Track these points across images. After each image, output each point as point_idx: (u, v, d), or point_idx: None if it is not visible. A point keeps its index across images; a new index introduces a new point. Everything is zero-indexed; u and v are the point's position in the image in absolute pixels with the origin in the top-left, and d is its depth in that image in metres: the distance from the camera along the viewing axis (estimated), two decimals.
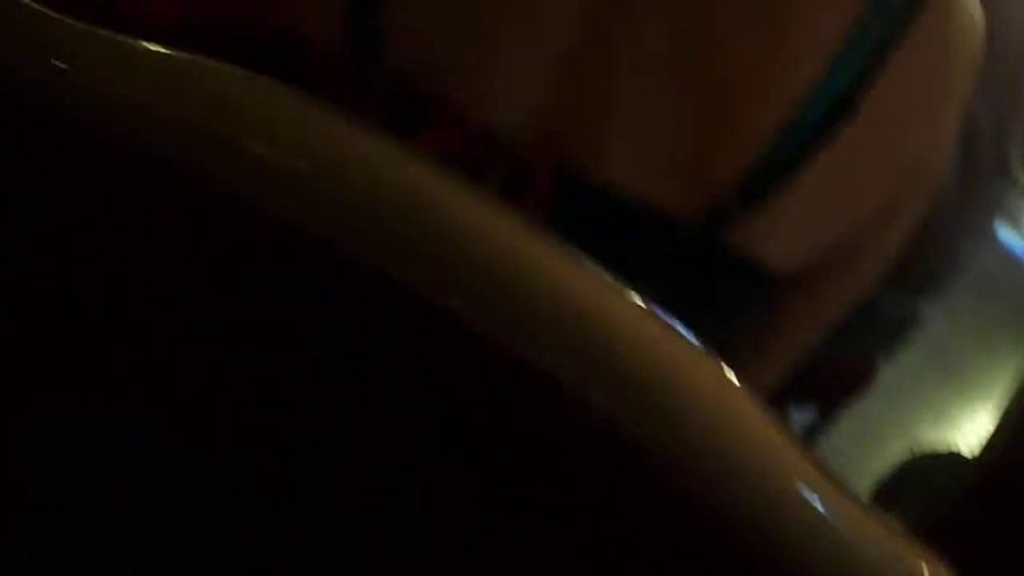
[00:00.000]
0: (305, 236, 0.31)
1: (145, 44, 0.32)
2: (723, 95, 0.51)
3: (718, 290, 0.57)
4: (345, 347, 0.34)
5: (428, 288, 0.30)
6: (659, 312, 0.31)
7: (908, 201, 0.59)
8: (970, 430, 2.22)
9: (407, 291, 0.30)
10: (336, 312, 0.33)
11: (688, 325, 0.55)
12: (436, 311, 0.30)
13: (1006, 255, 3.12)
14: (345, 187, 0.29)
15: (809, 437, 1.52)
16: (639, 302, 0.30)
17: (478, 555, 0.37)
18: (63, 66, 0.31)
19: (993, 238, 1.22)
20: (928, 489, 1.05)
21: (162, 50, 0.32)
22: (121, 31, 0.32)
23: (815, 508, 0.33)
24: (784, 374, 0.67)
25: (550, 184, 0.53)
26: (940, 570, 0.37)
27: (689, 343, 0.31)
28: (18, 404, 0.41)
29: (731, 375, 0.31)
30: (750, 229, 0.54)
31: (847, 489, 0.34)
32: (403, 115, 0.53)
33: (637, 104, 0.52)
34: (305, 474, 0.39)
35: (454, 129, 0.53)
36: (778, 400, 1.40)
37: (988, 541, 0.93)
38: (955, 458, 1.24)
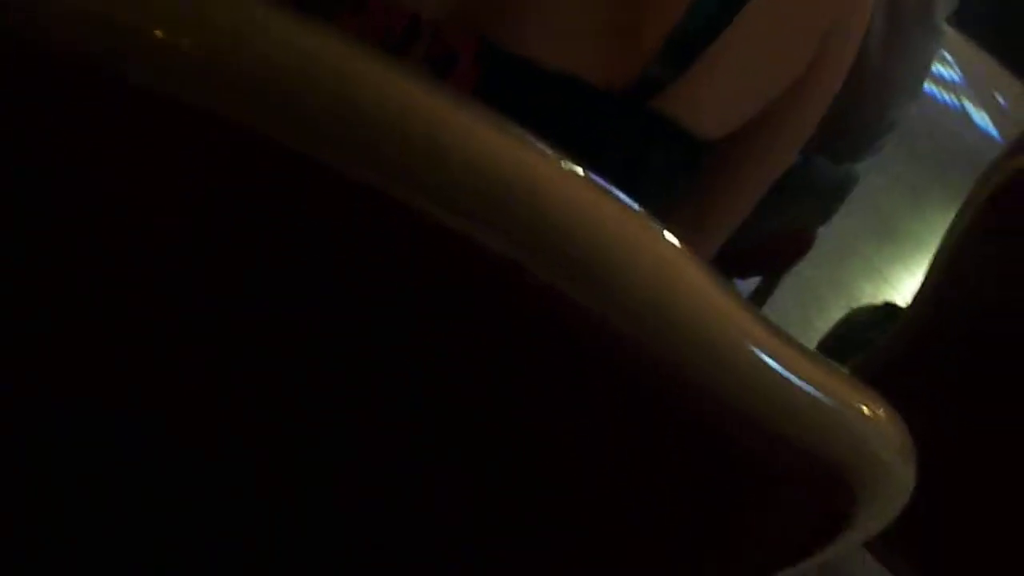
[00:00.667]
0: (231, 126, 0.30)
1: None
2: None
3: (651, 159, 0.57)
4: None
5: (350, 164, 0.29)
6: (595, 177, 0.31)
7: (831, 59, 0.59)
8: (905, 285, 2.30)
9: (331, 172, 0.29)
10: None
11: (628, 193, 0.55)
12: (360, 189, 0.29)
13: (934, 110, 3.17)
14: (256, 64, 0.28)
15: (755, 300, 1.56)
16: (575, 167, 0.30)
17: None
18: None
19: (921, 94, 1.23)
20: (866, 341, 1.09)
21: None
22: None
23: (768, 363, 0.34)
24: (725, 240, 0.68)
25: (474, 62, 0.52)
26: (883, 407, 0.38)
27: (629, 206, 0.31)
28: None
29: (673, 238, 0.31)
30: (678, 95, 0.53)
31: (794, 340, 0.35)
32: (312, 4, 0.51)
33: None
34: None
35: (374, 12, 0.51)
36: (721, 269, 1.43)
37: (921, 384, 0.98)
38: (890, 310, 1.29)
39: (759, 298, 1.59)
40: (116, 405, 0.39)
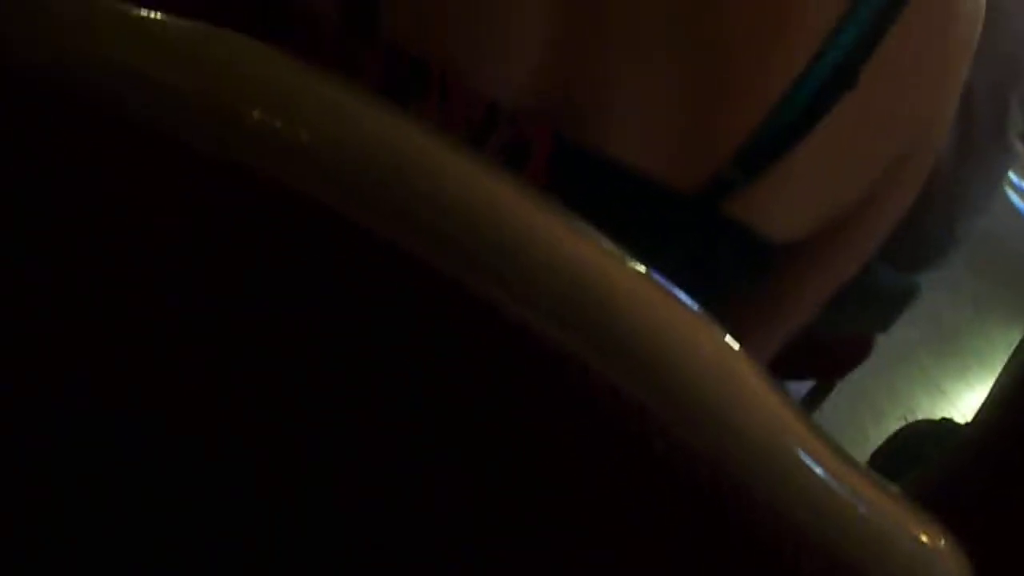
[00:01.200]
0: (307, 205, 0.31)
1: (147, 10, 0.31)
2: (722, 66, 0.51)
3: (718, 260, 0.57)
4: (349, 322, 0.34)
5: (431, 255, 0.30)
6: (658, 278, 0.31)
7: (908, 172, 0.58)
8: (964, 401, 2.24)
9: (411, 258, 0.30)
10: (342, 284, 0.33)
11: (689, 294, 0.56)
12: (439, 279, 0.30)
13: (1001, 224, 3.12)
14: (345, 155, 0.29)
15: (807, 407, 1.53)
16: (640, 267, 0.30)
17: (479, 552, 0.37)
18: (70, 38, 0.31)
19: (990, 210, 1.22)
20: (921, 457, 1.06)
21: (164, 17, 0.31)
22: None
23: (817, 474, 0.33)
24: (784, 344, 0.67)
25: (549, 154, 0.53)
26: (942, 535, 0.37)
27: (689, 307, 0.31)
28: (17, 404, 0.41)
29: (731, 340, 0.31)
30: (750, 200, 0.53)
31: (847, 455, 0.35)
32: (400, 86, 0.52)
33: (636, 74, 0.52)
34: (305, 473, 0.40)
35: (452, 99, 0.53)
36: (777, 371, 1.40)
37: (976, 506, 0.94)
38: (948, 426, 1.25)
39: (814, 402, 1.56)
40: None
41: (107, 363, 0.38)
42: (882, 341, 1.46)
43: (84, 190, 0.34)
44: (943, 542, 0.37)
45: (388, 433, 0.36)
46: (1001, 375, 0.91)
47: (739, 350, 0.31)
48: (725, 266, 0.57)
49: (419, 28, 0.52)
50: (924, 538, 0.36)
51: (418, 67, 0.52)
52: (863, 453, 1.40)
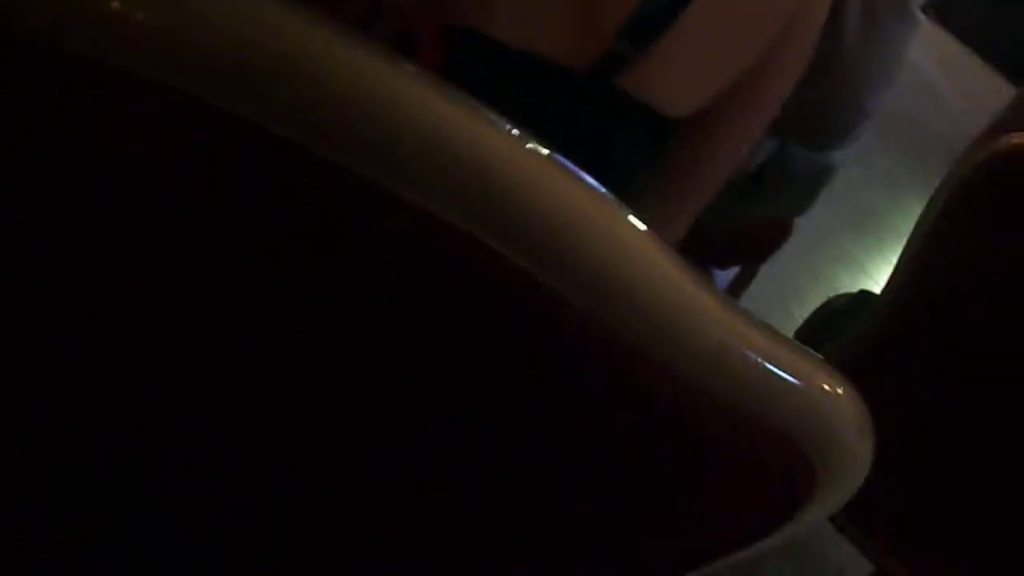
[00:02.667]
0: (208, 110, 0.30)
1: None
2: None
3: (616, 136, 0.57)
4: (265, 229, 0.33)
5: (333, 151, 0.29)
6: (561, 159, 0.31)
7: (794, 36, 0.59)
8: (882, 275, 2.32)
9: (316, 157, 0.29)
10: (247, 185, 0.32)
11: (592, 174, 0.56)
12: (349, 176, 0.29)
13: (912, 103, 3.19)
14: (213, 40, 0.28)
15: (733, 292, 1.57)
16: (541, 149, 0.30)
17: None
18: None
19: (896, 85, 1.24)
20: (841, 329, 1.10)
21: None
22: None
23: (722, 336, 0.34)
24: (690, 218, 0.68)
25: (438, 43, 0.52)
26: (840, 383, 0.39)
27: (592, 187, 0.31)
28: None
29: (629, 214, 0.31)
30: (642, 73, 0.54)
31: (750, 315, 0.36)
32: None
33: None
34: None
35: None
36: (701, 259, 1.44)
37: (892, 369, 0.99)
38: (865, 298, 1.30)
39: (739, 287, 1.60)
40: (118, 411, 0.39)
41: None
42: (802, 224, 1.50)
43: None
44: (841, 389, 0.38)
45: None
46: (906, 243, 0.95)
47: (638, 223, 0.31)
48: (624, 143, 0.57)
49: None
50: (825, 386, 0.38)
51: None
52: (788, 332, 1.44)
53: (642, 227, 0.33)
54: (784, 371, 0.36)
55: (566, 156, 0.33)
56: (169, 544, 0.45)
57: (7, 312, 0.37)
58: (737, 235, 1.41)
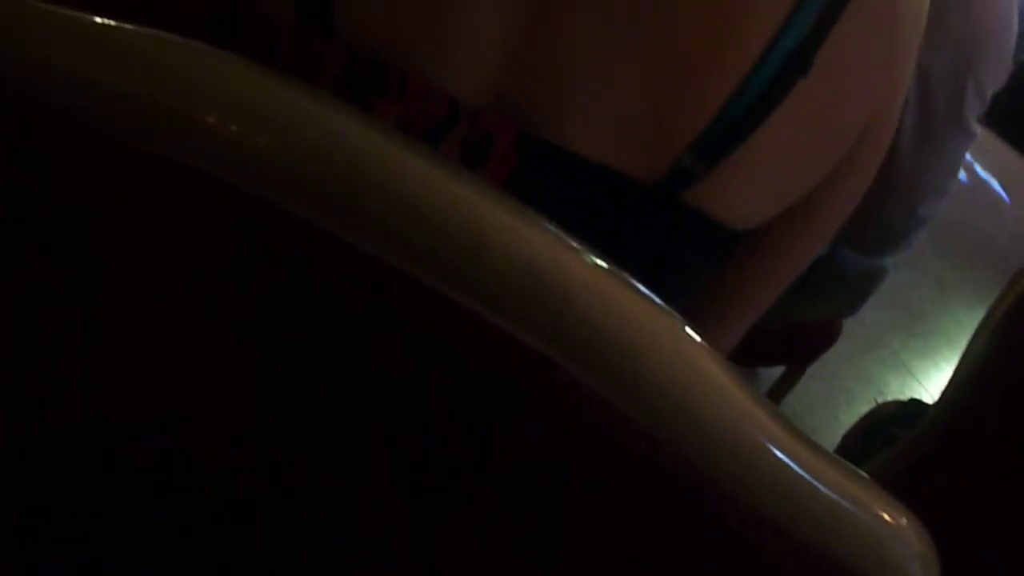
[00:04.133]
0: (271, 211, 0.31)
1: (102, 19, 0.31)
2: (679, 56, 0.51)
3: (680, 249, 0.57)
4: (326, 328, 0.34)
5: (395, 256, 0.30)
6: (616, 269, 0.31)
7: (864, 156, 0.59)
8: (932, 381, 2.27)
9: (371, 260, 0.30)
10: (313, 294, 0.33)
11: (652, 285, 0.56)
12: (404, 281, 0.30)
13: (966, 207, 3.16)
14: (304, 159, 0.29)
15: (779, 392, 1.55)
16: (597, 259, 0.30)
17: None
18: (26, 49, 0.30)
19: (951, 193, 1.24)
20: (890, 438, 1.07)
21: (120, 24, 0.31)
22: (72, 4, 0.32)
23: (779, 458, 0.34)
24: (751, 330, 0.68)
25: (511, 148, 0.53)
26: (903, 513, 0.38)
27: (649, 299, 0.31)
28: (18, 405, 0.40)
29: (692, 331, 0.31)
30: (709, 189, 0.54)
31: (807, 439, 0.35)
32: (359, 84, 0.52)
33: (594, 66, 0.52)
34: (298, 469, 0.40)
35: (412, 96, 0.53)
36: (750, 358, 1.42)
37: (945, 485, 0.95)
38: (916, 406, 1.27)
39: (785, 387, 1.57)
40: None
41: (106, 364, 0.38)
42: (851, 325, 1.48)
43: (61, 178, 0.34)
44: (904, 520, 0.37)
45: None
46: (963, 355, 0.93)
47: (702, 342, 0.31)
48: (687, 254, 0.57)
49: (375, 25, 0.52)
50: (886, 517, 0.37)
51: (376, 64, 0.52)
52: (835, 437, 1.41)
53: (697, 338, 0.33)
54: (841, 496, 0.36)
55: (627, 265, 0.33)
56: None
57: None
58: (786, 335, 1.40)
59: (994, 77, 1.10)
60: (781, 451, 0.33)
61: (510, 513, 0.35)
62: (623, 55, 0.52)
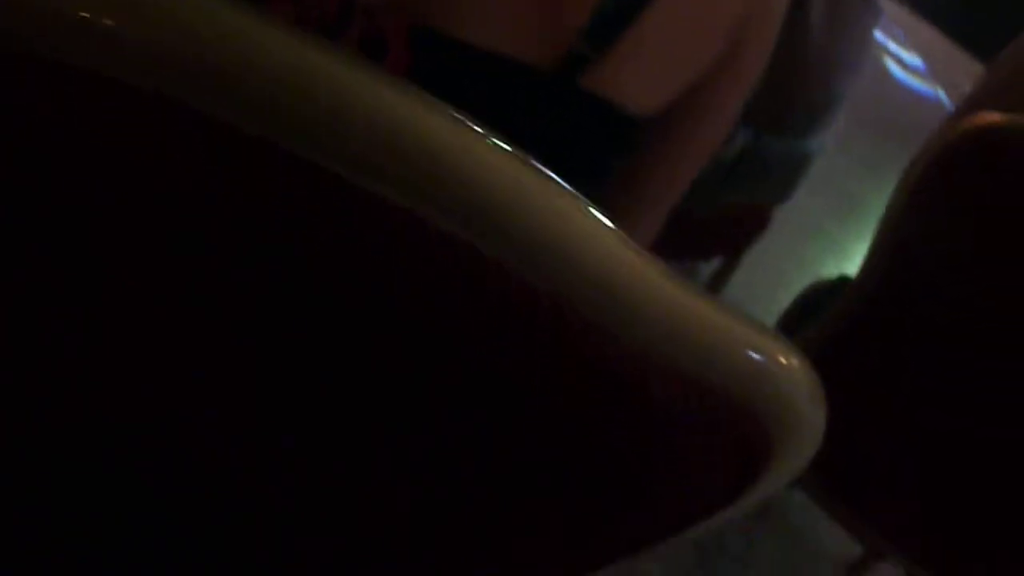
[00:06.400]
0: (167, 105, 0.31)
1: None
2: None
3: (584, 137, 0.58)
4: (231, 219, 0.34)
5: (282, 139, 0.30)
6: (524, 155, 0.32)
7: (753, 31, 0.60)
8: None
9: (266, 144, 0.31)
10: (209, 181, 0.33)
11: (559, 173, 0.57)
12: (298, 162, 0.31)
13: (897, 91, 3.20)
14: (185, 44, 0.29)
15: (719, 281, 1.59)
16: (508, 148, 0.31)
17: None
18: None
19: (879, 72, 1.26)
20: (823, 312, 1.12)
21: None
22: None
23: (671, 305, 0.36)
24: (662, 215, 0.70)
25: (406, 44, 0.53)
26: (792, 353, 0.40)
27: (518, 157, 0.32)
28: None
29: (563, 184, 0.33)
30: (604, 72, 0.55)
31: (698, 287, 0.37)
32: None
33: None
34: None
35: None
36: (684, 250, 1.44)
37: (866, 349, 1.00)
38: (845, 281, 1.31)
39: (723, 276, 1.61)
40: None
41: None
42: (787, 211, 1.51)
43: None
44: (793, 359, 0.40)
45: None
46: (875, 233, 0.96)
47: (568, 189, 0.32)
48: (591, 141, 0.59)
49: None
50: (777, 356, 0.39)
51: None
52: (774, 318, 1.46)
53: (592, 209, 0.34)
54: (736, 343, 0.38)
55: (532, 155, 0.34)
56: (169, 544, 0.46)
57: (7, 312, 0.38)
58: (718, 224, 1.42)
59: None
60: (669, 297, 0.35)
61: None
62: None
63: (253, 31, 0.29)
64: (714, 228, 1.40)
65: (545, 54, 0.54)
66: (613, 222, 0.39)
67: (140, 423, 0.41)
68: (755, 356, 0.39)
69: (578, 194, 0.34)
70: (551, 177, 0.34)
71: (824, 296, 1.30)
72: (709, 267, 1.65)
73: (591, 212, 0.32)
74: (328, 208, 0.32)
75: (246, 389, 0.39)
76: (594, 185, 0.63)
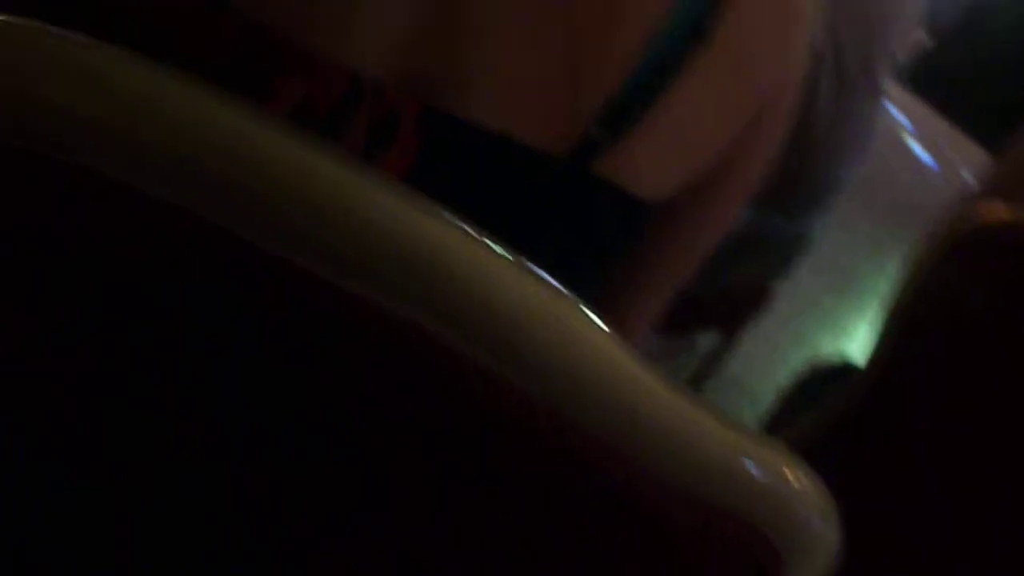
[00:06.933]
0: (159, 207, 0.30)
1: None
2: (580, 25, 0.52)
3: (593, 221, 0.57)
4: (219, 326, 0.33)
5: (285, 248, 0.29)
6: (515, 256, 0.31)
7: (768, 121, 0.60)
8: (867, 341, 2.32)
9: (263, 254, 0.30)
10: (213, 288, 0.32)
11: (568, 259, 0.56)
12: (294, 270, 0.30)
13: (893, 167, 3.24)
14: (191, 153, 0.28)
15: (716, 356, 1.57)
16: (499, 249, 0.30)
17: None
18: None
19: (869, 153, 1.27)
20: (823, 396, 1.10)
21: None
22: None
23: (674, 422, 0.34)
24: (670, 300, 0.69)
25: (417, 124, 0.53)
26: (805, 473, 0.39)
27: (525, 267, 0.31)
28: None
29: (568, 295, 0.32)
30: (617, 159, 0.54)
31: (706, 402, 0.36)
32: (259, 59, 0.51)
33: (496, 37, 0.52)
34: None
35: (313, 76, 0.52)
36: (681, 325, 1.44)
37: (873, 439, 0.98)
38: (847, 366, 1.30)
39: (720, 353, 1.60)
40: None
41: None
42: (786, 288, 1.51)
43: None
44: (803, 475, 0.38)
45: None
46: (885, 318, 0.95)
47: (576, 302, 0.31)
48: (600, 227, 0.58)
49: (275, 3, 0.51)
50: (786, 474, 0.38)
51: (276, 41, 0.51)
52: (773, 397, 1.44)
53: (595, 319, 0.33)
54: (746, 462, 0.36)
55: (542, 240, 0.33)
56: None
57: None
58: (718, 300, 1.42)
59: (902, 43, 1.14)
60: (672, 413, 0.34)
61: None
62: (525, 25, 0.52)
63: (256, 135, 0.28)
64: (714, 304, 1.39)
65: (558, 138, 0.53)
66: (618, 305, 0.37)
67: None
68: (766, 477, 0.37)
69: (579, 300, 0.33)
70: (553, 285, 0.33)
71: (824, 378, 1.29)
72: (706, 340, 1.64)
73: (596, 324, 0.31)
74: (313, 308, 0.31)
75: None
76: (601, 266, 0.62)
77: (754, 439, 0.36)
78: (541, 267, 0.33)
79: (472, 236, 0.32)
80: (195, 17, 0.52)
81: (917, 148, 3.78)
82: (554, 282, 0.31)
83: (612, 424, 0.32)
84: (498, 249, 0.32)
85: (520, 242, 0.35)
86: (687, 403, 0.34)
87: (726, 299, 1.38)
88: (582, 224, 0.57)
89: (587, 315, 0.32)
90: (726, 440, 0.35)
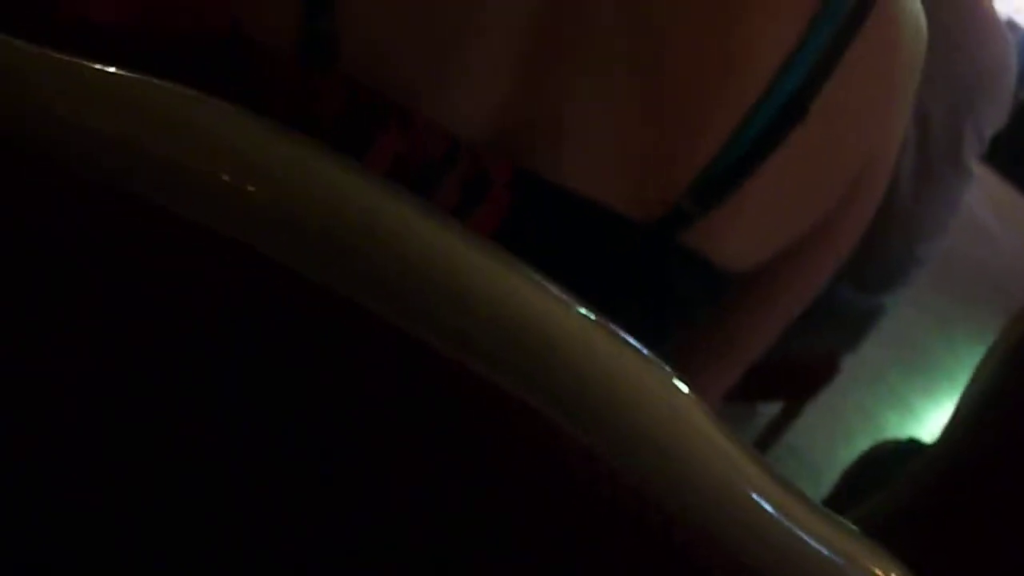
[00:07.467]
0: (260, 259, 0.31)
1: (94, 65, 0.31)
2: (677, 97, 0.52)
3: (676, 289, 0.57)
4: (306, 371, 0.34)
5: (373, 304, 0.30)
6: (606, 322, 0.31)
7: (859, 199, 0.59)
8: (932, 419, 2.26)
9: (362, 312, 0.30)
10: (315, 347, 0.33)
11: (648, 324, 0.55)
12: (385, 329, 0.30)
13: (964, 242, 3.17)
14: (295, 209, 0.29)
15: (778, 427, 1.54)
16: (586, 312, 0.30)
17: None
18: (15, 92, 0.30)
19: (949, 231, 1.24)
20: (890, 476, 1.07)
21: (110, 70, 0.31)
22: (60, 41, 0.32)
23: (768, 512, 0.33)
24: (745, 369, 0.68)
25: (507, 187, 0.53)
26: (893, 568, 0.37)
27: (638, 351, 0.31)
28: (16, 405, 0.40)
29: (680, 383, 0.31)
30: (705, 230, 0.54)
31: (798, 491, 0.35)
32: (359, 121, 0.53)
33: (592, 106, 0.52)
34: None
35: (412, 133, 0.53)
36: (747, 393, 1.42)
37: (944, 525, 0.95)
38: (914, 446, 1.26)
39: (784, 423, 1.56)
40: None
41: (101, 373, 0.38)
42: (851, 361, 1.47)
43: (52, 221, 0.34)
44: (894, 572, 0.37)
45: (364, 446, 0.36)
46: (963, 395, 0.92)
47: (688, 391, 0.31)
48: (683, 295, 0.57)
49: (379, 62, 0.52)
50: (876, 571, 0.37)
51: (379, 100, 0.52)
52: (834, 473, 1.40)
53: (686, 389, 0.32)
54: (834, 553, 0.35)
55: (623, 303, 0.33)
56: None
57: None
58: (785, 370, 1.39)
59: (993, 118, 1.11)
60: (770, 504, 0.33)
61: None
62: (622, 96, 0.52)
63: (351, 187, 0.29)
64: (780, 372, 1.37)
65: (647, 207, 0.53)
66: (693, 369, 0.36)
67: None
68: (850, 567, 0.36)
69: (672, 373, 0.33)
70: (663, 368, 0.32)
71: (892, 459, 1.25)
72: (768, 407, 1.61)
73: (707, 415, 0.30)
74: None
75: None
76: (679, 329, 0.61)
77: (847, 530, 0.35)
78: (621, 328, 0.32)
79: (564, 301, 0.31)
80: (300, 74, 0.53)
81: (991, 220, 3.70)
82: (657, 358, 0.31)
83: (704, 509, 0.31)
84: (583, 310, 0.32)
85: (599, 302, 0.35)
86: (780, 488, 0.33)
87: (793, 368, 1.35)
88: (666, 291, 0.57)
89: (685, 391, 0.32)
90: (819, 530, 0.34)
